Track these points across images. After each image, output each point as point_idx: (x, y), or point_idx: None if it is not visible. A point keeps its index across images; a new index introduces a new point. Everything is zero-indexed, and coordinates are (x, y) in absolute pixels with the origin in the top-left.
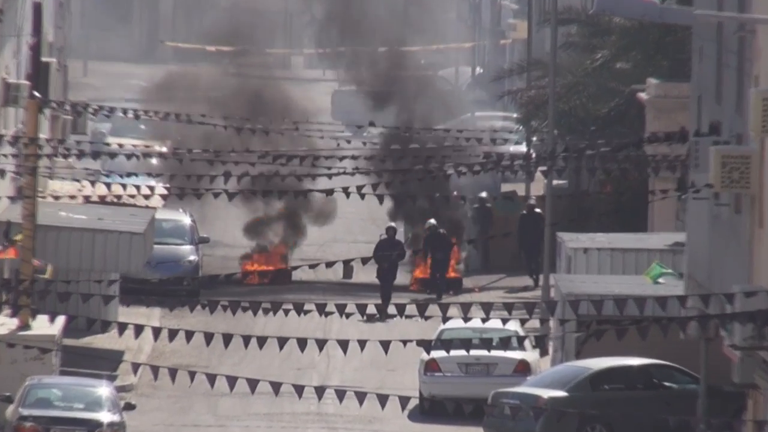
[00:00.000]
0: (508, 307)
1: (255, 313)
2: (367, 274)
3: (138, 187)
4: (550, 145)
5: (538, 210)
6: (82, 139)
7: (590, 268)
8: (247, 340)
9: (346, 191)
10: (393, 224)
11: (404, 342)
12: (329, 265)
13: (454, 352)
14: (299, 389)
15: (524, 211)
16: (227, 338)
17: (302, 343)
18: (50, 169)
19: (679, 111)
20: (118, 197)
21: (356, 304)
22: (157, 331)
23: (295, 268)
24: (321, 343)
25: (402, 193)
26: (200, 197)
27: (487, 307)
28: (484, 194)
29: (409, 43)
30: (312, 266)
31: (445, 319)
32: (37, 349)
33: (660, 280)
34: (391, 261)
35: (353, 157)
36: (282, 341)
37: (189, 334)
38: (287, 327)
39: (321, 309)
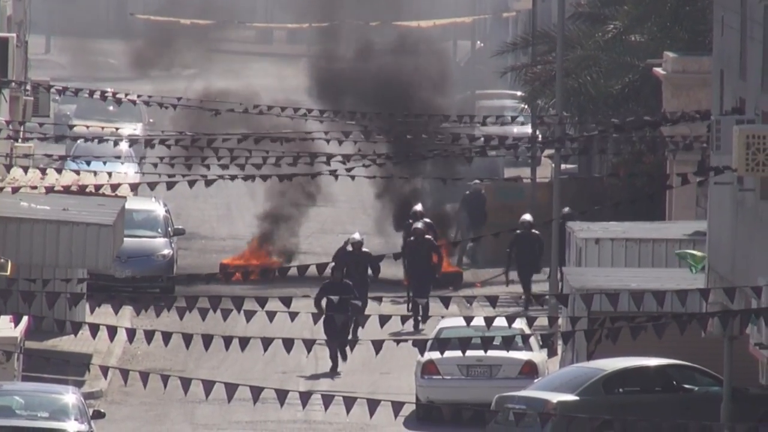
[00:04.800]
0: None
1: (239, 312)
2: None
3: (109, 174)
4: (558, 126)
5: (536, 231)
6: (45, 122)
7: (603, 260)
8: (228, 341)
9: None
10: (357, 236)
11: (397, 341)
12: (321, 268)
13: (454, 353)
14: (282, 395)
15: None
16: (206, 340)
17: (288, 344)
18: (9, 156)
19: (699, 87)
20: (84, 186)
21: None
22: (130, 333)
23: (286, 268)
24: (309, 344)
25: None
26: (171, 186)
27: (493, 301)
28: (476, 181)
29: (404, 17)
30: (300, 270)
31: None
32: None
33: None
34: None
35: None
36: (266, 342)
37: (165, 336)
38: (271, 327)
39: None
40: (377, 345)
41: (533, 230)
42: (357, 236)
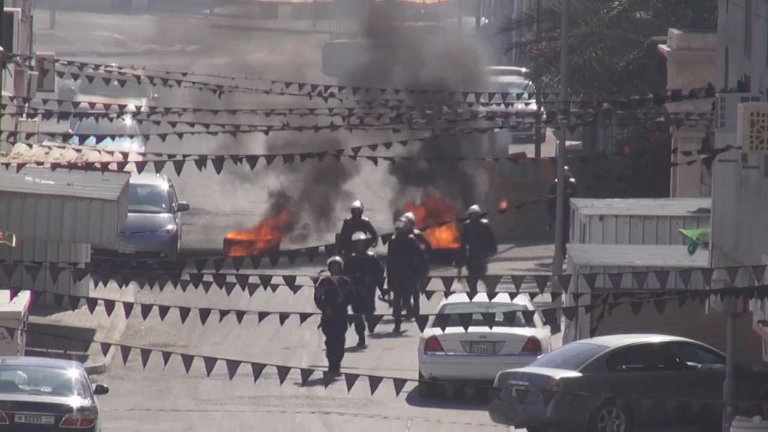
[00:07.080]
0: (517, 280)
1: (243, 288)
2: None
3: (111, 153)
4: (562, 101)
5: (572, 179)
6: (50, 97)
7: (607, 237)
8: (226, 315)
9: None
10: (358, 203)
11: (395, 318)
12: (329, 248)
13: (457, 330)
14: (283, 371)
15: (556, 180)
16: (205, 314)
17: (286, 316)
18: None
19: (703, 65)
20: (90, 164)
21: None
22: (129, 308)
23: (293, 252)
24: (305, 318)
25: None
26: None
27: (494, 281)
28: (475, 207)
29: None
30: (309, 251)
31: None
32: (0, 327)
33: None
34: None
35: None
36: (264, 316)
37: (164, 311)
38: (274, 302)
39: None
40: (372, 321)
41: (410, 234)
42: (357, 203)
